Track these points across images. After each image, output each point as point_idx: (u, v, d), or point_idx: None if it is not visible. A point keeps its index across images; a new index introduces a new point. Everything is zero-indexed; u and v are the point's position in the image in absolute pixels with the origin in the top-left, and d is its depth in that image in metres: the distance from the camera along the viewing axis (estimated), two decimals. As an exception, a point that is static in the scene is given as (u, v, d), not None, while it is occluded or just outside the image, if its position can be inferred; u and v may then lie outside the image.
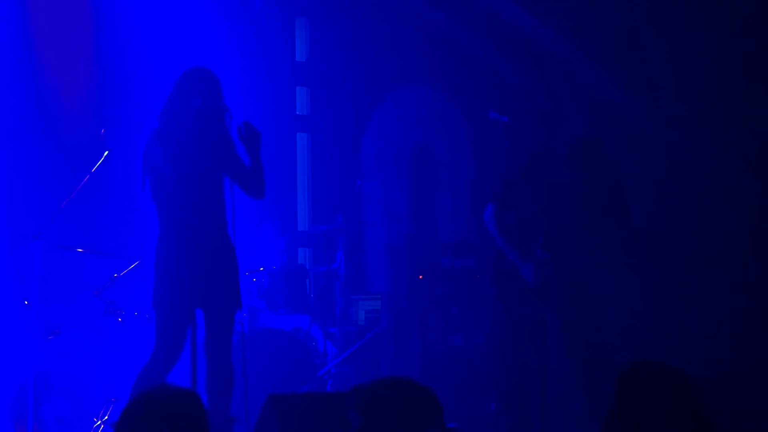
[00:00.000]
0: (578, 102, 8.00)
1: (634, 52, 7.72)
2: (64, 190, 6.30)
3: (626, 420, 2.81)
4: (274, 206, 7.70)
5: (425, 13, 8.65)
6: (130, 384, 5.21)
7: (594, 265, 6.17)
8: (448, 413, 4.29)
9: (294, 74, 8.91)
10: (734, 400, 4.39)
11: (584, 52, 8.04)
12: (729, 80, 7.28)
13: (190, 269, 5.03)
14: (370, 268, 8.46)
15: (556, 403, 6.37)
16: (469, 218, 8.47)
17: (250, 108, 5.38)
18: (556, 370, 6.50)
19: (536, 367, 5.99)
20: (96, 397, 6.34)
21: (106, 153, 6.03)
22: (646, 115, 7.68)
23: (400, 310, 7.80)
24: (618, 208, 6.21)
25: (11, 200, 7.04)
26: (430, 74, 8.92)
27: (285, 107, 8.82)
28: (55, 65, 7.41)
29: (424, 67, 8.90)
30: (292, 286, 7.29)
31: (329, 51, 8.86)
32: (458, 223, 8.81)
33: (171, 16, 7.74)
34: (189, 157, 5.11)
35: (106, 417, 6.19)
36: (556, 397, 6.39)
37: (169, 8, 7.76)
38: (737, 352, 6.88)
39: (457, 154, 9.10)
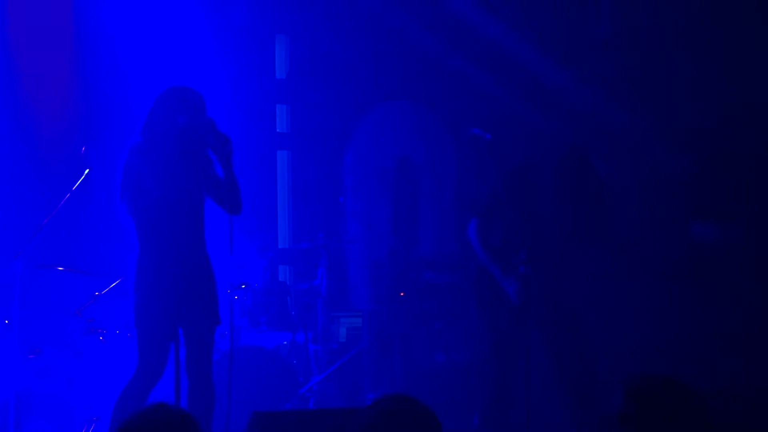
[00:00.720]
0: (561, 113, 8.07)
1: (617, 61, 7.81)
2: (44, 208, 6.35)
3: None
4: (254, 223, 7.78)
5: (404, 29, 8.72)
6: (112, 403, 5.27)
7: (579, 280, 6.23)
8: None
9: (274, 92, 8.95)
10: (733, 413, 4.44)
11: (565, 63, 8.13)
12: (716, 87, 7.37)
13: (171, 287, 5.09)
14: (352, 285, 8.52)
15: (540, 419, 6.44)
16: (452, 233, 8.52)
17: (230, 125, 5.46)
18: (540, 387, 6.59)
19: (520, 382, 6.05)
20: (77, 416, 6.38)
21: (87, 171, 6.10)
22: (631, 126, 7.76)
23: (382, 326, 7.85)
24: (602, 220, 6.26)
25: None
26: (411, 89, 8.97)
27: (265, 125, 8.84)
28: (34, 81, 7.44)
29: (405, 82, 8.94)
30: (273, 303, 7.35)
31: (309, 68, 8.90)
32: (441, 238, 8.86)
33: (151, 34, 7.80)
34: (170, 173, 5.19)
35: (88, 436, 6.26)
36: (540, 413, 6.46)
37: (150, 25, 7.81)
38: (727, 365, 6.95)
39: (439, 168, 9.15)
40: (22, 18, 7.44)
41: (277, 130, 9.07)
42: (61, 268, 6.52)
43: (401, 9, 8.69)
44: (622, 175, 7.37)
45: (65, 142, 7.33)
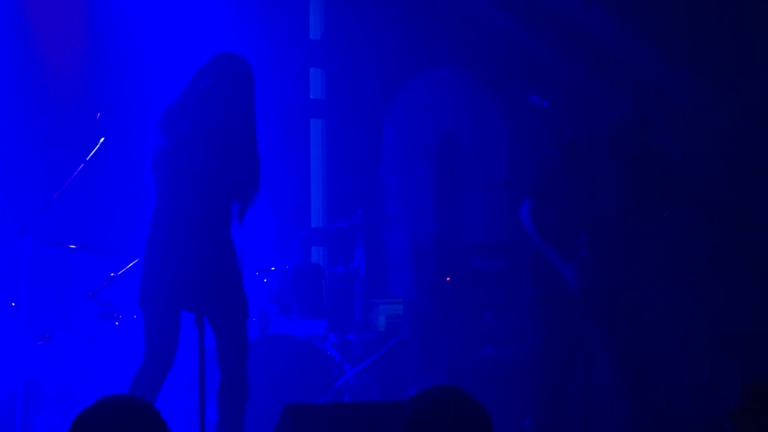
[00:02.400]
0: (621, 83, 8.00)
1: (682, 27, 7.73)
2: (55, 180, 6.35)
3: None
4: (285, 200, 7.75)
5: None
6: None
7: (643, 266, 6.17)
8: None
9: (308, 54, 8.94)
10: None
11: (627, 27, 8.05)
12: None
13: (184, 268, 5.07)
14: (392, 269, 8.49)
15: (598, 420, 6.38)
16: (501, 215, 8.47)
17: (260, 91, 5.42)
18: (599, 383, 6.51)
19: (577, 379, 6.00)
20: (90, 408, 6.38)
21: (102, 140, 6.07)
22: (696, 97, 7.69)
23: (425, 315, 7.82)
24: (669, 199, 6.20)
25: (-2, 192, 7.12)
26: (459, 55, 8.93)
27: (298, 91, 8.84)
28: (43, 46, 7.48)
29: (452, 47, 8.90)
30: (306, 288, 7.32)
31: (347, 28, 8.88)
32: (489, 221, 8.82)
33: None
34: (191, 142, 5.15)
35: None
36: (598, 413, 6.40)
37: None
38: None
39: (488, 143, 9.11)
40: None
41: (311, 97, 9.04)
42: (73, 246, 6.52)
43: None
44: (686, 150, 7.29)
45: (78, 109, 7.33)
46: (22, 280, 5.99)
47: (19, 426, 5.92)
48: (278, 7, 8.61)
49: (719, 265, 7.22)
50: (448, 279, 7.77)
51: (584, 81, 8.15)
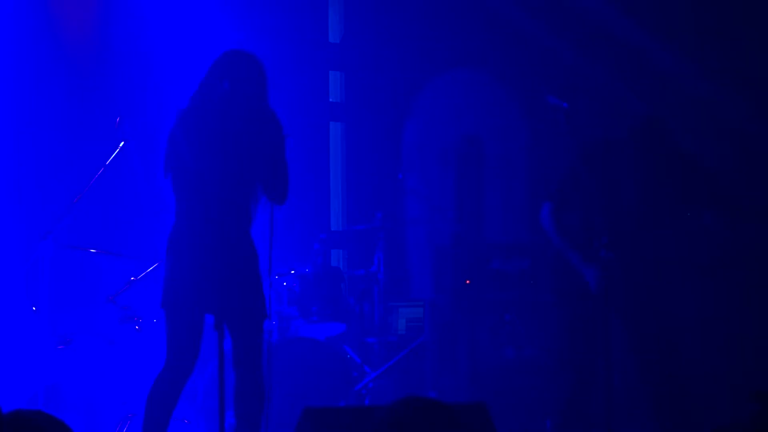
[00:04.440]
0: (642, 84, 7.97)
1: (706, 27, 7.68)
2: (76, 184, 6.36)
3: None
4: (305, 203, 7.73)
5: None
6: (146, 400, 5.26)
7: (665, 267, 6.11)
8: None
9: (327, 57, 8.93)
10: None
11: (648, 28, 8.02)
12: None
13: (205, 270, 5.05)
14: (412, 272, 8.47)
15: (621, 423, 6.34)
16: (521, 216, 8.45)
17: (278, 95, 5.42)
18: (622, 386, 6.46)
19: (599, 381, 5.96)
20: (111, 413, 6.38)
21: (122, 144, 6.08)
22: (719, 97, 7.64)
23: (446, 318, 7.78)
24: (692, 200, 6.14)
25: (19, 195, 7.12)
26: (479, 56, 8.91)
27: (317, 94, 8.84)
28: (62, 51, 7.49)
29: (472, 48, 8.88)
30: (326, 291, 7.30)
31: (366, 31, 8.87)
32: (510, 222, 8.79)
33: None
34: (215, 145, 5.14)
35: (123, 434, 6.25)
36: (621, 416, 6.36)
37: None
38: None
39: (508, 144, 9.08)
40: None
41: (330, 100, 9.03)
42: (93, 250, 6.52)
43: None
44: (708, 149, 7.24)
45: (99, 113, 7.33)
46: (43, 285, 6.00)
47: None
48: (297, 10, 8.60)
49: (742, 265, 7.17)
50: (468, 282, 7.74)
51: (605, 82, 8.13)
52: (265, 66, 5.27)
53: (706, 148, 7.10)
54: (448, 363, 7.66)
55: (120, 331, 6.60)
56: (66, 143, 7.34)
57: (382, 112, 8.91)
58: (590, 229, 5.94)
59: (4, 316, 6.49)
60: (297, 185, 5.44)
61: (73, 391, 6.34)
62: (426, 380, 7.87)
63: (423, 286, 8.57)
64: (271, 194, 5.30)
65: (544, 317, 7.30)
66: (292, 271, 7.08)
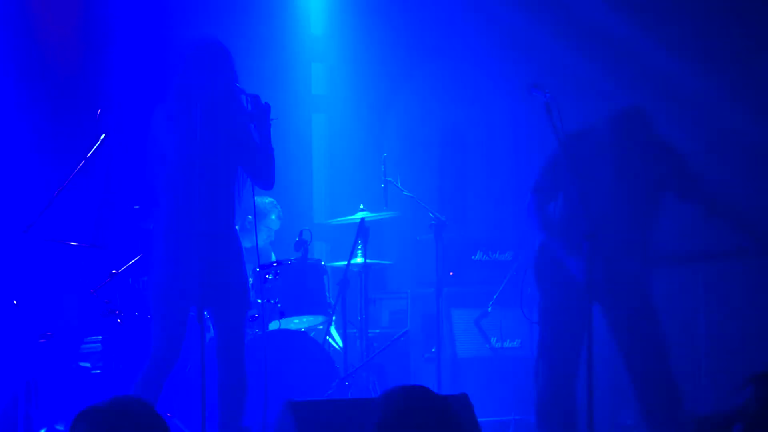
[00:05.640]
0: (625, 74, 7.96)
1: (689, 16, 7.68)
2: (56, 177, 6.32)
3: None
4: (288, 194, 7.71)
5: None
6: (130, 392, 5.25)
7: (649, 257, 6.10)
8: (482, 424, 4.32)
9: (309, 49, 8.91)
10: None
11: (631, 17, 8.01)
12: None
13: (189, 262, 5.08)
14: (395, 264, 8.45)
15: (604, 415, 6.34)
16: (504, 208, 8.44)
17: (261, 86, 5.41)
18: (605, 377, 6.46)
19: (581, 373, 5.96)
20: (93, 406, 6.35)
21: (103, 136, 6.04)
22: (702, 88, 7.64)
23: (428, 310, 7.78)
24: (675, 191, 6.13)
25: (-1, 188, 7.09)
26: (461, 47, 8.89)
27: (300, 86, 8.82)
28: (41, 43, 7.45)
29: (453, 39, 8.86)
30: (308, 283, 7.29)
31: (348, 23, 8.85)
32: (492, 214, 8.78)
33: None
34: (194, 139, 5.13)
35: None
36: (604, 408, 6.36)
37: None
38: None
39: (491, 136, 9.07)
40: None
41: (313, 92, 8.98)
42: (74, 244, 6.48)
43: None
44: (691, 141, 7.24)
45: (79, 104, 7.29)
46: (24, 278, 5.97)
47: (21, 424, 5.89)
48: (279, 2, 8.57)
49: (725, 256, 7.17)
50: (451, 273, 7.73)
51: (586, 73, 8.12)
52: (228, 48, 5.26)
53: (695, 142, 7.10)
54: (431, 355, 7.66)
55: (101, 324, 6.57)
56: (46, 135, 7.30)
57: (365, 103, 8.90)
58: (574, 221, 5.92)
59: (-16, 310, 6.47)
60: (279, 177, 5.44)
61: (54, 385, 6.30)
62: (409, 372, 7.87)
63: (406, 279, 8.56)
64: (257, 179, 5.31)
65: (527, 309, 7.28)
66: (275, 263, 7.06)
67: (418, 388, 3.14)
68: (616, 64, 7.95)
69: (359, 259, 7.39)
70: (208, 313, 5.28)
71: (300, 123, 8.77)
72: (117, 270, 6.51)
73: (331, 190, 8.96)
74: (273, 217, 7.61)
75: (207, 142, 5.15)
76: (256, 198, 5.52)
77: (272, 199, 7.55)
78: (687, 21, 7.70)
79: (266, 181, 5.32)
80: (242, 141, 5.29)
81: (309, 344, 6.91)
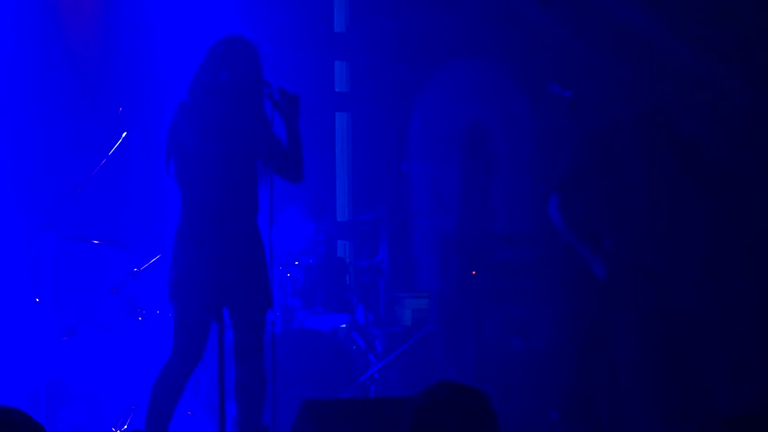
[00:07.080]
0: (648, 71, 7.90)
1: (713, 12, 7.62)
2: (78, 175, 6.35)
3: None
4: (310, 193, 7.70)
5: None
6: (151, 392, 5.23)
7: (674, 258, 6.08)
8: (504, 423, 4.28)
9: (332, 47, 8.89)
10: None
11: (653, 12, 7.96)
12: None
13: (213, 260, 5.06)
14: (418, 263, 8.43)
15: (626, 414, 6.30)
16: (528, 206, 8.41)
17: (284, 85, 5.39)
18: (628, 378, 6.42)
19: (605, 373, 5.93)
20: (115, 404, 6.38)
21: (124, 134, 6.07)
22: (724, 82, 7.58)
23: (451, 309, 7.76)
24: (699, 188, 6.10)
25: (20, 186, 7.11)
26: (484, 45, 8.85)
27: (322, 84, 8.80)
28: (64, 41, 7.47)
29: (477, 37, 8.82)
30: (330, 282, 7.28)
31: (372, 20, 8.83)
32: (516, 212, 8.75)
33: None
34: (217, 135, 5.12)
35: (126, 426, 6.22)
36: (626, 407, 6.32)
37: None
38: None
39: (514, 134, 9.04)
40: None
41: (336, 90, 8.99)
42: (96, 242, 6.51)
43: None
44: (712, 136, 7.19)
45: (100, 103, 7.31)
46: (46, 276, 6.00)
47: (42, 422, 5.88)
48: (303, 0, 8.57)
49: (749, 254, 7.12)
50: (474, 272, 7.70)
51: (609, 69, 8.06)
52: (258, 49, 5.25)
53: (711, 135, 7.05)
54: (454, 354, 7.64)
55: (123, 322, 6.59)
56: (68, 133, 7.32)
57: (388, 101, 8.88)
58: (597, 219, 5.91)
59: (6, 308, 6.49)
60: (304, 174, 5.42)
61: (77, 383, 6.34)
62: (431, 371, 7.84)
63: (428, 277, 8.53)
64: (284, 171, 5.29)
65: (551, 308, 7.26)
66: (297, 262, 7.05)
67: (458, 385, 3.10)
68: (639, 60, 7.89)
69: (381, 258, 7.38)
70: (228, 311, 5.25)
71: (323, 121, 8.75)
72: (138, 268, 6.54)
73: (353, 188, 8.94)
74: None
75: (229, 138, 5.14)
76: None
77: None
78: (710, 16, 7.64)
79: (294, 173, 5.29)
80: (266, 138, 5.26)
81: (330, 343, 6.90)
